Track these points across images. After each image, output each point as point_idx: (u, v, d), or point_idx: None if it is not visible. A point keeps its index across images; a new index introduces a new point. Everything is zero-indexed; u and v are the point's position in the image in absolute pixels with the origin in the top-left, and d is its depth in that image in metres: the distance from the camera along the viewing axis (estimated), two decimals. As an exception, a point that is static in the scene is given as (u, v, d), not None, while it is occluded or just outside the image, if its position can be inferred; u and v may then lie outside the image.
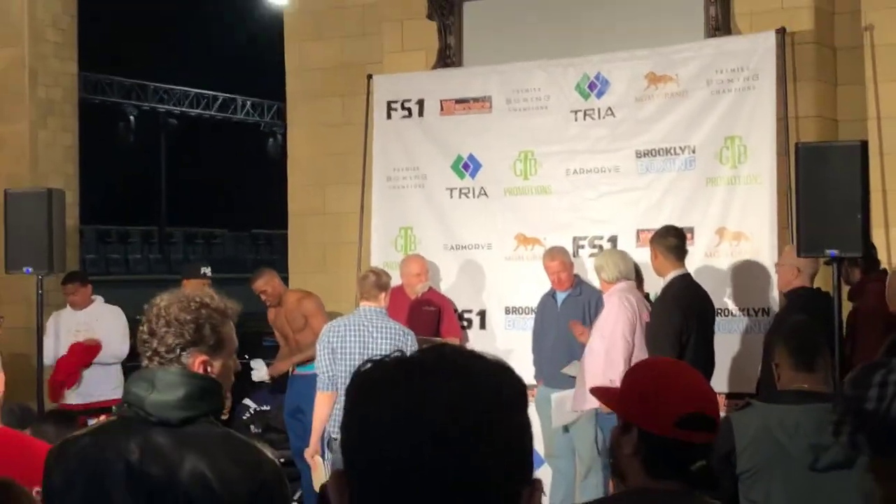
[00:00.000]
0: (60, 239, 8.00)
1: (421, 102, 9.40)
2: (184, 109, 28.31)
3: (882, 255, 7.98)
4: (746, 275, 8.18)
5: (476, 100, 9.21)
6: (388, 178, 9.48)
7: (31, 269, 7.86)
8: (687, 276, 7.16)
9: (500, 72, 9.15)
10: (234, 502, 2.65)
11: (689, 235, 8.36)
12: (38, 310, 7.95)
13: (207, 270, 9.03)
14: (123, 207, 29.72)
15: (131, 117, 26.77)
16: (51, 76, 11.61)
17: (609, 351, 7.19)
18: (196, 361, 2.77)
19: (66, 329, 9.38)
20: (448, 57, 9.53)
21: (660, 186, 8.53)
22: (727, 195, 8.30)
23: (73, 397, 9.41)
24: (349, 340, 6.92)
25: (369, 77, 9.56)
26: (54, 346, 9.16)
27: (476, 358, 1.34)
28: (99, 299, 9.79)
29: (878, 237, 8.26)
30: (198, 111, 28.36)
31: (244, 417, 9.46)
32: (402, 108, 9.45)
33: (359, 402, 1.31)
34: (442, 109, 9.33)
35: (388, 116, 9.51)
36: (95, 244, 29.24)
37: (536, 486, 1.31)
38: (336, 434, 6.91)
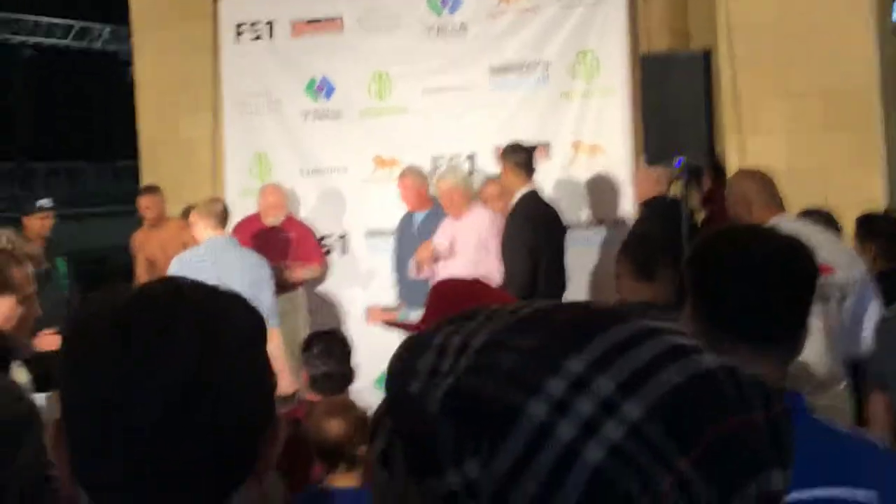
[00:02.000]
0: None
1: (271, 24, 9.16)
2: (40, 39, 27.36)
3: (735, 161, 8.09)
4: (603, 187, 8.22)
5: (327, 19, 9.01)
6: (240, 103, 9.25)
7: None
8: (535, 192, 7.14)
9: (349, -10, 8.95)
10: None
11: (544, 150, 8.39)
12: None
13: (45, 203, 8.73)
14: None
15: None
16: None
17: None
18: None
19: None
20: (297, -24, 9.28)
21: (514, 102, 8.50)
22: (581, 109, 8.30)
23: None
24: (204, 273, 6.71)
25: (215, 0, 9.27)
26: None
27: (215, 295, 1.22)
28: None
29: (730, 143, 8.35)
30: (54, 40, 27.42)
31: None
32: (252, 30, 9.20)
33: (79, 351, 1.16)
34: (293, 31, 9.11)
35: (237, 40, 9.25)
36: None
37: (279, 424, 1.21)
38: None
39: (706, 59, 6.09)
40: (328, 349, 4.87)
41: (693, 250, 2.18)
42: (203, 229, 6.86)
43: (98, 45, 27.70)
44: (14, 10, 26.42)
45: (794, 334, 2.06)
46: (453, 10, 8.62)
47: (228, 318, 1.19)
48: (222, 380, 1.15)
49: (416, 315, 8.05)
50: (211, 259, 6.75)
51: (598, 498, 0.69)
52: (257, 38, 9.19)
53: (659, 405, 0.71)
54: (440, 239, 7.62)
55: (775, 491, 0.73)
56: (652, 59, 6.42)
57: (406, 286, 8.22)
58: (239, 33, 9.25)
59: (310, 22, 9.04)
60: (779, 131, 8.10)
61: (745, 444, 0.72)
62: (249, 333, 1.20)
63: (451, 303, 2.51)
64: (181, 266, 6.78)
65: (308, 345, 4.91)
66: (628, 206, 7.96)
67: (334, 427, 4.10)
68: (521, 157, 7.08)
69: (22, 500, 2.61)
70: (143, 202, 9.26)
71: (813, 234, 4.60)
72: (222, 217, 6.89)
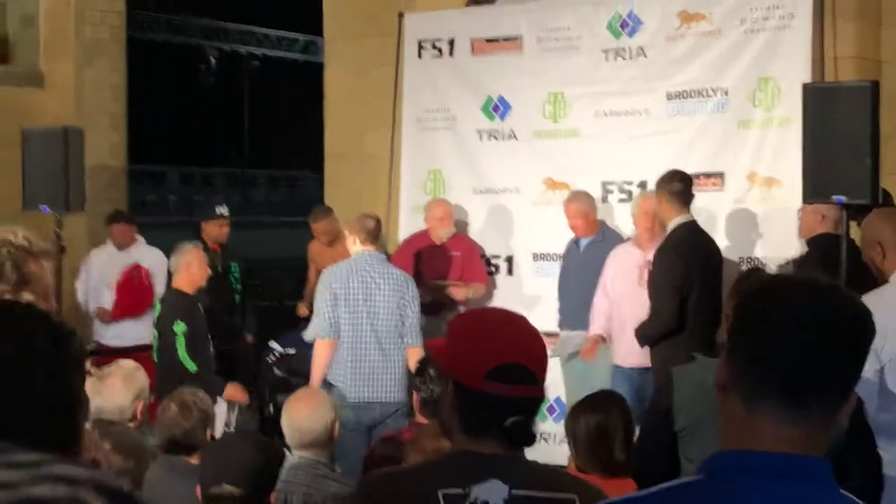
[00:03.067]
0: (78, 178, 7.97)
1: (452, 41, 9.18)
2: (266, 52, 28.40)
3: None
4: (777, 222, 7.87)
5: (507, 39, 8.96)
6: (418, 119, 9.31)
7: (47, 208, 7.86)
8: (692, 223, 6.89)
9: (530, 10, 8.89)
10: None
11: (718, 180, 8.11)
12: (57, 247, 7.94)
13: (224, 210, 8.96)
14: (207, 149, 30.04)
15: (212, 58, 26.93)
16: (97, 14, 11.60)
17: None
18: None
19: (109, 267, 9.56)
20: (480, -5, 9.29)
21: (691, 129, 8.24)
22: (759, 139, 7.97)
23: (111, 339, 9.55)
24: (352, 286, 6.77)
25: (400, 15, 9.36)
26: (96, 281, 9.46)
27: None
28: (141, 240, 9.89)
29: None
30: (278, 52, 28.41)
31: (269, 360, 9.42)
32: (433, 47, 9.25)
33: None
34: (473, 49, 9.10)
35: (419, 56, 9.31)
36: (178, 185, 29.65)
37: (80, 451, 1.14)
38: (336, 380, 6.80)
39: (874, 90, 5.72)
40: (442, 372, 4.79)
41: (740, 296, 2.00)
42: (353, 244, 6.91)
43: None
44: (243, 21, 27.48)
45: (833, 400, 1.84)
46: (632, 33, 8.43)
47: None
48: None
49: (575, 339, 7.93)
50: (359, 272, 6.78)
51: None
52: (438, 54, 9.22)
53: None
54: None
55: None
56: (814, 88, 6.09)
57: (568, 311, 8.08)
58: (421, 49, 9.31)
59: (489, 41, 9.02)
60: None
61: None
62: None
63: (481, 330, 2.40)
64: (330, 278, 6.83)
65: (422, 367, 4.84)
66: (800, 243, 7.58)
67: (444, 450, 4.02)
68: (676, 185, 6.85)
69: None
70: (318, 228, 9.39)
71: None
72: (372, 232, 6.90)
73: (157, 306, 7.55)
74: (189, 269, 7.05)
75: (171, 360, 6.90)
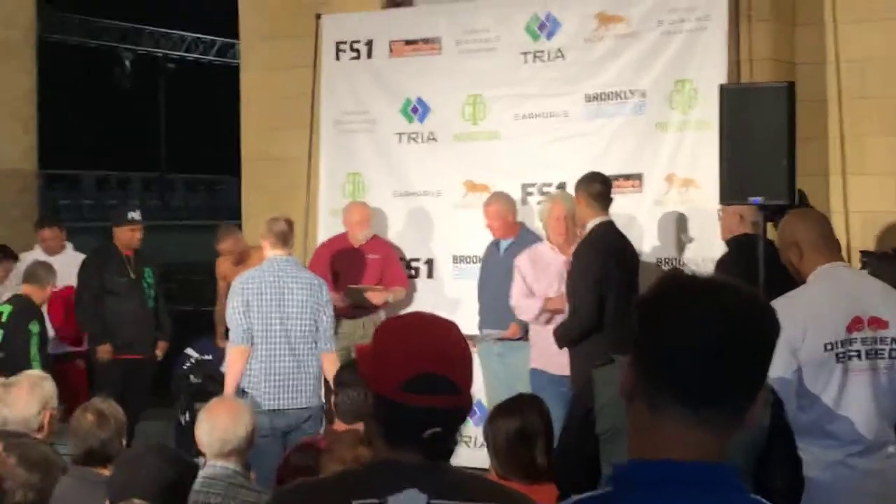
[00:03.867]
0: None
1: (370, 43, 9.10)
2: (182, 54, 28.03)
3: (838, 202, 7.72)
4: (696, 224, 7.91)
5: (425, 41, 8.91)
6: (336, 121, 9.21)
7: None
8: (610, 223, 6.88)
9: (449, 12, 8.85)
10: None
11: (637, 182, 8.14)
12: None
13: (135, 215, 8.79)
14: (122, 153, 29.58)
15: (126, 62, 26.49)
16: (7, 15, 11.34)
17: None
18: None
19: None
20: (399, -4, 9.22)
21: (609, 131, 8.25)
22: (677, 141, 8.01)
23: None
24: (265, 293, 6.67)
25: (318, 17, 9.26)
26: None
27: None
28: (69, 246, 9.73)
29: (834, 184, 7.98)
30: (195, 55, 28.05)
31: (184, 367, 9.25)
32: (351, 49, 9.16)
33: None
34: (391, 51, 9.03)
35: (337, 58, 9.22)
36: (94, 190, 29.19)
37: None
38: (250, 387, 6.69)
39: (790, 91, 5.76)
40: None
41: (643, 295, 1.95)
42: (265, 247, 6.81)
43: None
44: (157, 25, 27.10)
45: (739, 402, 1.80)
46: (550, 35, 8.43)
47: None
48: None
49: (495, 338, 7.90)
50: (271, 279, 6.68)
51: None
52: (356, 56, 9.14)
53: None
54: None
55: None
56: (731, 90, 6.12)
57: (488, 313, 8.04)
58: (339, 51, 9.22)
59: (408, 42, 8.96)
60: (886, 172, 7.69)
61: None
62: None
63: (400, 338, 2.33)
64: (242, 285, 6.71)
65: (341, 371, 4.76)
66: (719, 243, 7.62)
67: (362, 458, 3.94)
68: (596, 187, 6.84)
69: None
70: (224, 248, 9.30)
71: (864, 283, 4.27)
72: (282, 235, 6.80)
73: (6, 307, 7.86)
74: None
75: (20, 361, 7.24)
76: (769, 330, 1.82)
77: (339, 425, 4.67)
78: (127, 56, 26.75)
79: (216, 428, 4.21)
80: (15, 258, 9.33)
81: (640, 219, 8.05)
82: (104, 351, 8.56)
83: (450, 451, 2.26)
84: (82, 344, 9.15)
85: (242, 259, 9.11)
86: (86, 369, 9.17)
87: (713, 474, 1.70)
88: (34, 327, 7.90)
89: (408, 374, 2.19)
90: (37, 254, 9.62)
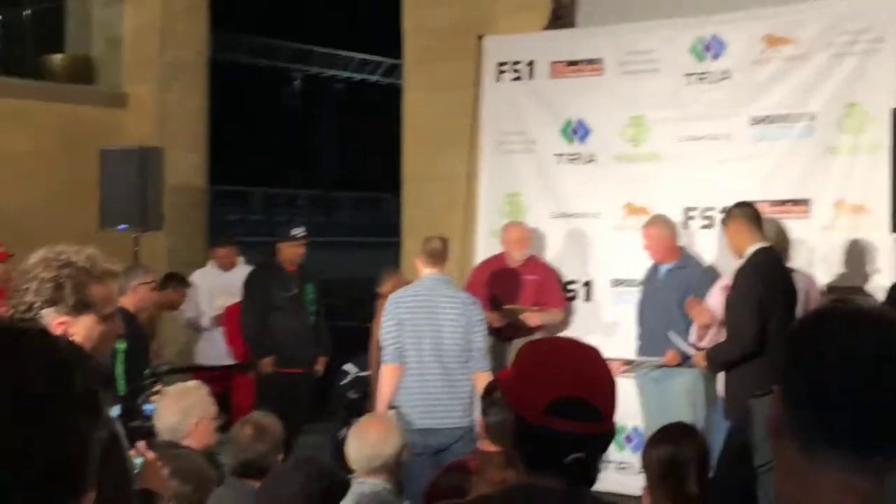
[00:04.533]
0: (156, 197, 8.01)
1: (531, 64, 9.09)
2: (350, 74, 28.56)
3: None
4: (864, 251, 7.64)
5: (588, 62, 8.85)
6: (497, 142, 9.23)
7: (125, 226, 7.90)
8: (771, 248, 6.69)
9: (612, 33, 8.77)
10: None
11: (804, 207, 7.92)
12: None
13: (299, 232, 8.93)
14: (289, 171, 30.25)
15: (295, 82, 27.14)
16: (180, 37, 11.70)
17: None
18: (54, 322, 2.59)
19: (212, 288, 9.75)
20: (561, 17, 9.19)
21: (775, 155, 8.04)
22: (847, 165, 7.76)
23: (212, 359, 9.70)
24: (418, 311, 6.69)
25: (479, 38, 9.30)
26: (207, 303, 9.58)
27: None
28: (241, 260, 10.00)
29: None
30: (362, 76, 28.54)
31: (343, 383, 9.35)
32: (513, 69, 9.17)
33: None
34: (553, 72, 9.01)
35: (498, 79, 9.25)
36: (262, 206, 29.94)
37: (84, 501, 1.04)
38: (402, 405, 6.72)
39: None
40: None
41: (797, 322, 1.81)
42: (420, 266, 6.84)
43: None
44: (325, 45, 27.64)
45: None
46: (716, 56, 8.27)
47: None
48: None
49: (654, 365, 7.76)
50: (424, 297, 6.70)
51: None
52: (517, 77, 9.14)
53: None
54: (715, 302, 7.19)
55: None
56: (903, 114, 5.88)
57: (647, 338, 7.91)
58: (501, 72, 9.24)
59: (570, 63, 8.92)
60: None
61: None
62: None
63: (545, 361, 2.29)
64: (395, 303, 6.75)
65: (489, 391, 4.73)
66: (890, 273, 7.35)
67: (511, 481, 3.91)
68: (754, 211, 6.69)
69: None
70: (384, 290, 9.30)
71: None
72: (435, 255, 6.81)
73: None
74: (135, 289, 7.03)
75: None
76: None
77: (488, 445, 4.63)
78: (296, 76, 27.40)
79: (365, 445, 4.23)
80: (187, 284, 9.59)
81: (807, 245, 7.82)
82: (266, 364, 8.73)
83: (592, 479, 2.21)
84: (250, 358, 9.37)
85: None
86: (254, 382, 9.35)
87: None
88: (119, 345, 7.58)
89: (552, 397, 2.15)
90: (210, 270, 9.93)
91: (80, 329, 2.64)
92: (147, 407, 3.89)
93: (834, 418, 1.58)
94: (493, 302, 8.29)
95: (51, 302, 2.61)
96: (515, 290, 8.40)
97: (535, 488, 2.18)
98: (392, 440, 4.22)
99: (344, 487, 3.43)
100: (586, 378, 2.20)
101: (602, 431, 2.20)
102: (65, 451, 1.02)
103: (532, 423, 2.17)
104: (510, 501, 2.21)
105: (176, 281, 9.43)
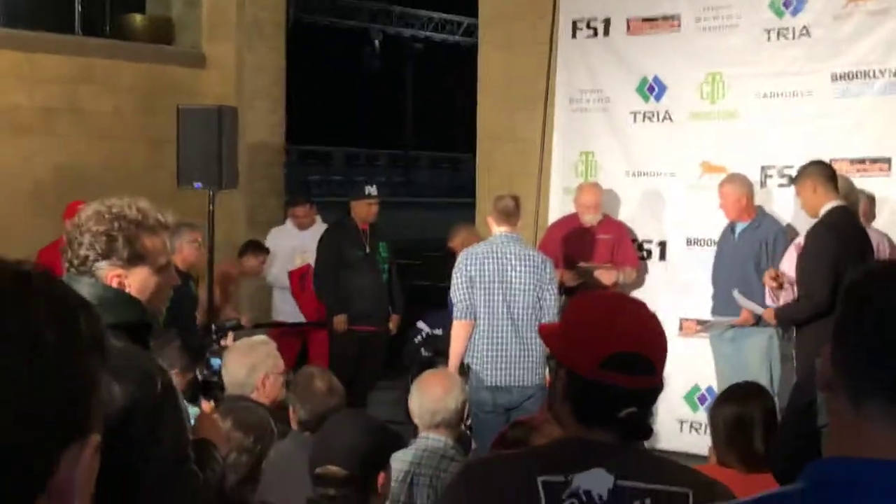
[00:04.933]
0: (231, 156, 8.08)
1: (607, 21, 8.99)
2: (429, 33, 28.51)
3: None
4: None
5: (664, 18, 8.73)
6: (571, 99, 9.16)
7: (200, 185, 7.98)
8: (846, 208, 6.56)
9: (689, -12, 8.63)
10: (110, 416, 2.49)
11: (885, 166, 7.77)
12: (208, 224, 8.07)
13: (372, 190, 8.95)
14: (370, 131, 30.36)
15: (376, 41, 27.13)
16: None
17: None
18: (109, 275, 2.63)
19: (290, 247, 9.83)
20: (637, -27, 9.04)
21: (856, 112, 7.88)
22: (929, 123, 7.58)
23: (289, 315, 9.82)
24: (487, 268, 6.68)
25: (556, -6, 9.22)
26: (281, 259, 9.69)
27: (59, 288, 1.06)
28: (318, 220, 10.07)
29: None
30: (442, 35, 28.47)
31: (416, 340, 9.41)
32: (588, 27, 9.08)
33: None
34: (628, 29, 8.90)
35: (574, 36, 9.16)
36: (343, 166, 30.12)
37: (88, 442, 1.05)
38: (473, 362, 6.73)
39: None
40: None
41: (845, 286, 1.79)
42: (491, 224, 6.82)
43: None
44: (406, 5, 27.55)
45: None
46: (796, 12, 8.11)
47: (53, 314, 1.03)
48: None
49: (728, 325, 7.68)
50: (495, 255, 6.68)
51: None
52: (593, 34, 9.05)
53: None
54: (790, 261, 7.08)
55: None
56: None
57: (721, 298, 7.82)
58: (576, 29, 9.15)
59: (646, 20, 8.80)
60: None
61: None
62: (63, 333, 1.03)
63: (596, 316, 2.28)
64: (465, 260, 6.75)
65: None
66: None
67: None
68: (829, 171, 6.56)
69: (164, 478, 2.60)
70: (455, 244, 9.32)
71: None
72: (507, 213, 6.78)
73: None
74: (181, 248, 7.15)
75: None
76: None
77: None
78: (376, 36, 27.39)
79: (426, 399, 4.25)
80: (266, 251, 9.71)
81: (887, 204, 7.67)
82: (339, 322, 8.79)
83: (646, 432, 2.20)
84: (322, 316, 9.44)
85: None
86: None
87: None
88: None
89: (606, 352, 2.14)
90: (288, 228, 10.01)
91: (135, 281, 2.67)
92: (214, 361, 3.94)
93: (882, 373, 1.56)
94: (567, 261, 8.26)
95: (104, 255, 2.64)
96: (589, 250, 8.36)
97: (584, 441, 2.17)
98: (453, 396, 4.23)
99: (397, 442, 3.45)
100: (640, 333, 2.19)
101: (654, 385, 2.19)
102: (70, 393, 1.03)
103: (586, 377, 2.16)
104: (559, 453, 2.20)
105: (254, 247, 9.56)
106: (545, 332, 2.36)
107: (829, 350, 1.70)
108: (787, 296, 6.98)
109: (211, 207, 8.09)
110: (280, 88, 12.01)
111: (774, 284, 6.95)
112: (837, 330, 1.71)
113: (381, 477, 3.27)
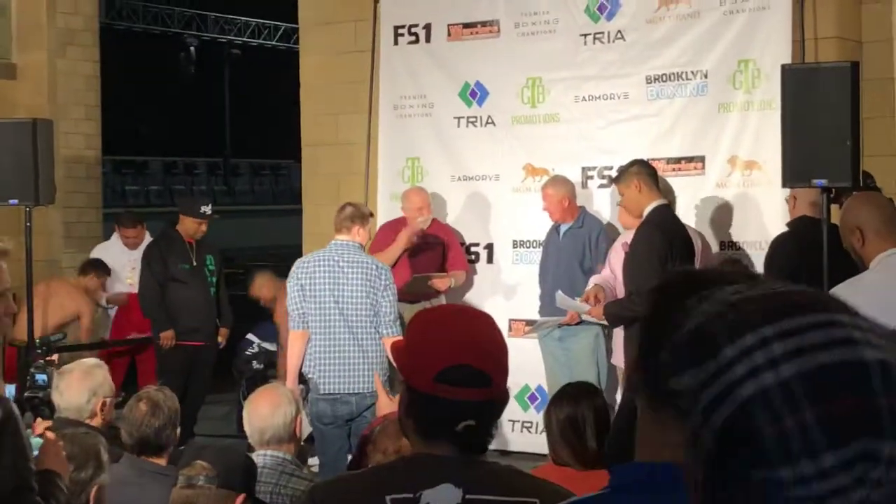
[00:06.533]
0: (48, 170, 7.82)
1: (428, 27, 9.05)
2: (246, 39, 28.19)
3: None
4: (758, 206, 7.79)
5: (483, 24, 8.84)
6: (394, 106, 9.18)
7: (16, 201, 7.72)
8: (668, 206, 6.77)
9: (507, -5, 8.76)
10: None
11: (700, 164, 8.03)
12: (26, 240, 7.80)
13: (208, 210, 8.78)
14: (187, 139, 29.85)
15: (191, 48, 26.74)
16: (70, 3, 11.43)
17: None
18: None
19: (119, 265, 9.74)
20: (457, -22, 9.13)
21: (670, 113, 8.15)
22: (740, 122, 7.90)
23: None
24: (318, 277, 6.62)
25: (376, 1, 9.22)
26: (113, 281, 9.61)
27: None
28: (147, 237, 9.86)
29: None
30: (258, 41, 28.18)
31: (247, 353, 9.30)
32: (409, 33, 9.12)
33: None
34: (449, 34, 8.98)
35: (395, 42, 9.19)
36: (161, 176, 29.53)
37: None
38: (310, 372, 6.67)
39: (854, 71, 5.61)
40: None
41: (650, 292, 1.81)
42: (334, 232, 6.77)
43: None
44: (221, 11, 27.19)
45: None
46: (611, 16, 8.32)
47: None
48: None
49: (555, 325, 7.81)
50: (327, 262, 6.64)
51: (737, 423, 0.96)
52: (414, 40, 9.09)
53: (807, 373, 0.95)
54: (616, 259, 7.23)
55: (887, 458, 0.93)
56: (794, 71, 5.97)
57: (548, 298, 7.95)
58: (397, 35, 9.18)
59: (466, 26, 8.90)
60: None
61: (866, 415, 0.93)
62: None
63: (433, 331, 2.29)
64: (298, 268, 6.69)
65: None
66: (781, 228, 7.48)
67: (406, 450, 3.90)
68: (652, 170, 6.76)
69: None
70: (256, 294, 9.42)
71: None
72: (346, 220, 6.74)
73: None
74: None
75: None
76: None
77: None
78: (192, 42, 26.96)
79: (254, 418, 4.20)
80: (108, 272, 9.56)
81: (701, 201, 7.94)
82: (167, 337, 8.62)
83: (484, 445, 2.22)
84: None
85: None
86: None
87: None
88: None
89: (440, 366, 2.15)
90: (115, 245, 9.87)
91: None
92: (40, 377, 3.81)
93: (653, 377, 1.58)
94: (400, 267, 8.25)
95: None
96: (419, 255, 8.38)
97: (428, 456, 2.17)
98: (282, 411, 4.18)
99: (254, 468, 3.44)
100: (474, 345, 2.20)
101: (493, 397, 2.20)
102: None
103: (422, 391, 2.16)
104: (405, 470, 2.20)
105: (98, 268, 9.43)
106: (392, 349, 2.36)
107: (635, 355, 1.74)
108: (611, 295, 7.17)
109: (28, 224, 7.83)
110: (95, 98, 11.71)
111: (593, 302, 7.13)
112: (640, 336, 1.73)
113: (240, 498, 3.24)
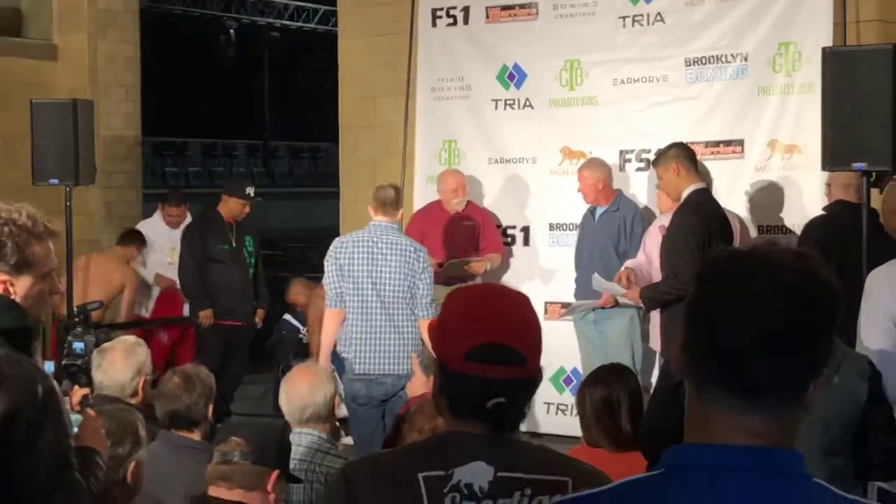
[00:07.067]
0: (88, 150, 7.89)
1: (466, 9, 9.04)
2: (285, 22, 28.24)
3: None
4: (797, 190, 7.73)
5: (522, 6, 8.82)
6: (432, 88, 9.18)
7: (57, 181, 7.79)
8: (706, 189, 6.73)
9: (546, -24, 8.72)
10: None
11: (738, 148, 7.98)
12: (66, 220, 7.87)
13: (252, 191, 8.83)
14: (226, 121, 29.95)
15: (230, 30, 26.83)
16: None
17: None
18: None
19: (159, 245, 9.87)
20: (496, -39, 9.10)
21: (710, 96, 8.09)
22: (780, 105, 7.83)
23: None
24: (357, 257, 6.63)
25: (414, -17, 9.22)
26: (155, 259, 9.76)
27: None
28: (188, 216, 9.95)
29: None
30: (298, 23, 28.23)
31: (284, 333, 9.35)
32: (448, 15, 9.11)
33: None
34: (487, 17, 8.97)
35: (434, 24, 9.18)
36: (200, 157, 29.70)
37: None
38: (344, 352, 6.69)
39: (895, 54, 5.54)
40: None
41: (697, 273, 1.80)
42: (371, 213, 6.76)
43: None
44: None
45: (792, 387, 1.63)
46: (650, -2, 8.26)
47: None
48: None
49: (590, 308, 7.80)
50: (365, 243, 6.64)
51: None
52: (452, 23, 9.08)
53: None
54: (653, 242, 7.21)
55: None
56: (834, 54, 5.91)
57: (583, 281, 7.94)
58: (436, 17, 9.17)
59: (504, 8, 8.88)
60: None
61: None
62: None
63: (464, 309, 2.29)
64: (337, 248, 6.70)
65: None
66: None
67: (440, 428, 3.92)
68: (690, 153, 6.71)
69: (46, 485, 2.57)
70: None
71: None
72: (384, 202, 6.72)
73: None
74: None
75: None
76: (826, 313, 1.64)
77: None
78: (231, 25, 27.06)
79: (294, 396, 4.22)
80: (144, 242, 9.66)
81: (740, 185, 7.89)
82: (205, 316, 8.68)
83: (515, 423, 2.22)
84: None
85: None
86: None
87: (768, 460, 1.59)
88: None
89: (470, 343, 2.16)
90: (158, 224, 9.94)
91: (21, 287, 2.64)
92: (77, 345, 3.85)
93: (713, 365, 1.61)
94: (435, 249, 8.25)
95: None
96: (454, 237, 8.39)
97: (460, 434, 2.19)
98: (321, 389, 4.20)
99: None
100: (504, 323, 2.20)
101: (524, 376, 2.20)
102: None
103: (453, 369, 2.17)
104: (437, 448, 2.21)
105: (136, 239, 9.54)
106: (428, 328, 2.37)
107: (680, 339, 1.73)
108: (646, 278, 7.15)
109: (68, 203, 7.90)
110: (135, 79, 11.78)
111: (626, 284, 7.11)
112: (684, 320, 1.73)
113: (274, 475, 3.27)
